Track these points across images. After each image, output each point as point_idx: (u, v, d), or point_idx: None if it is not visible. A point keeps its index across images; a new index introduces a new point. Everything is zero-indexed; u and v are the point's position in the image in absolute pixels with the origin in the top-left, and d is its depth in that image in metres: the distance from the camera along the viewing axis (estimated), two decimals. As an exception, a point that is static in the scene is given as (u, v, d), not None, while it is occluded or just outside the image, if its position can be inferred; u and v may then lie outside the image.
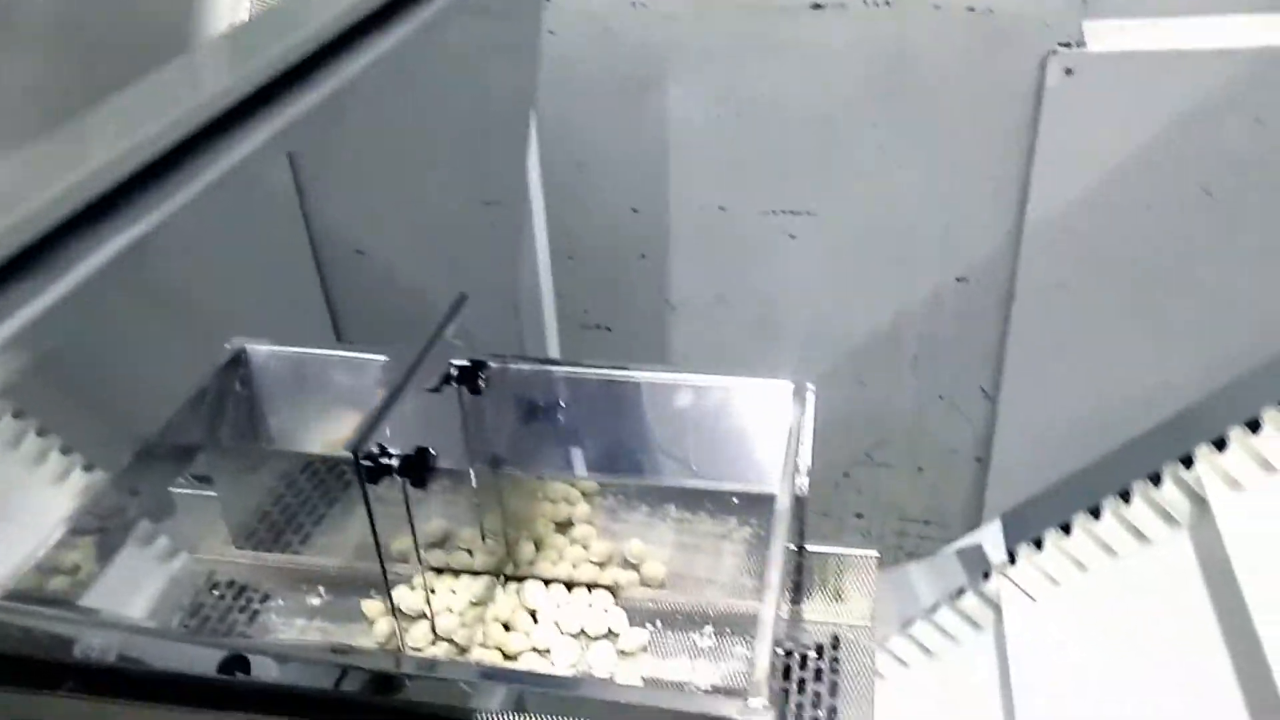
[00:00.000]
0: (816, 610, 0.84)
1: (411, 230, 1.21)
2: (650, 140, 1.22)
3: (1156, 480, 0.78)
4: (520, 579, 0.88)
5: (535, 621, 0.85)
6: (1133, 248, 1.13)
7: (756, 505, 0.82)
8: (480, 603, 0.84)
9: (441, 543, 0.86)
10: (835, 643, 0.82)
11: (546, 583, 0.87)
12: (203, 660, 0.58)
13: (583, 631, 0.84)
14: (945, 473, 1.38)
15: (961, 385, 1.30)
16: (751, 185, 1.23)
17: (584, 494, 0.94)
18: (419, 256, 1.19)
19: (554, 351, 1.39)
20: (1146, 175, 1.08)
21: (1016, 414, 1.27)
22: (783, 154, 1.20)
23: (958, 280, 1.23)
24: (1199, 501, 0.76)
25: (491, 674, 0.72)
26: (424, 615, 0.80)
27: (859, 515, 1.45)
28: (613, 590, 0.86)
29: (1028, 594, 0.82)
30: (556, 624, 0.84)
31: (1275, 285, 1.09)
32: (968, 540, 0.86)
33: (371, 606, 0.84)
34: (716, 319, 1.35)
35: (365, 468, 0.61)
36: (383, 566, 0.66)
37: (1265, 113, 1.02)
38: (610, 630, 0.83)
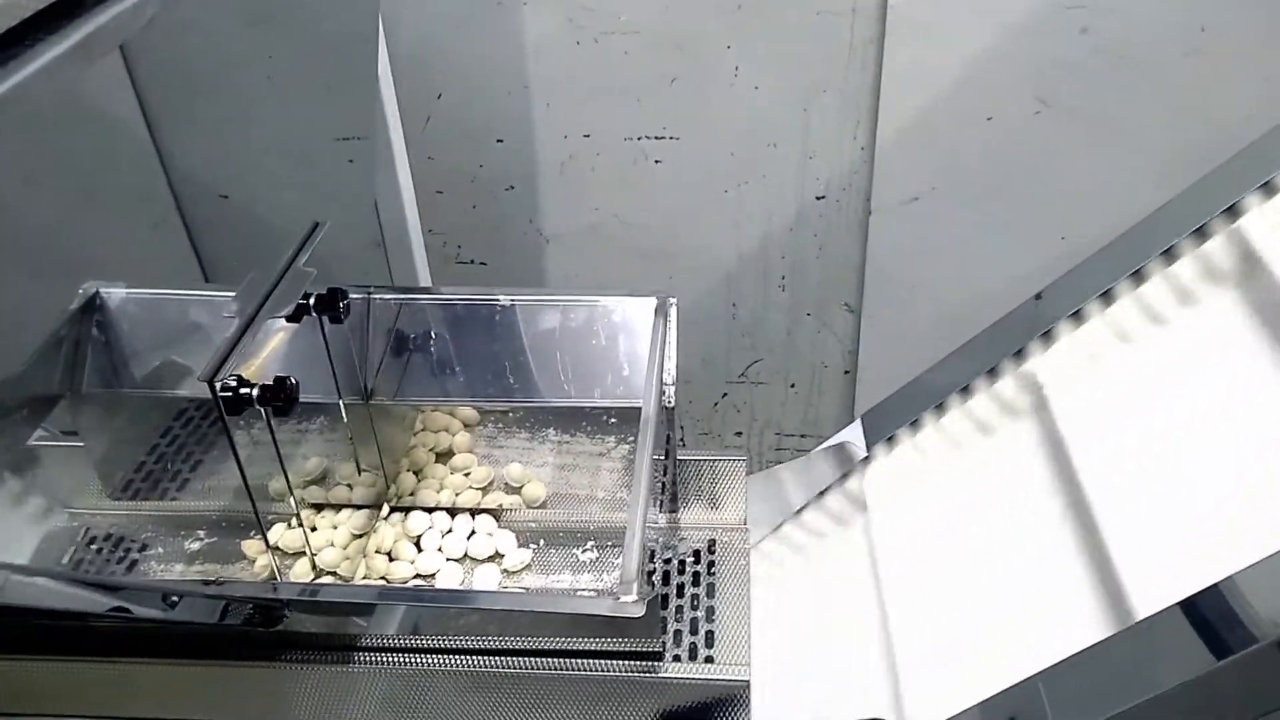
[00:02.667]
0: (693, 517, 0.88)
1: (272, 173, 1.18)
2: (510, 68, 1.22)
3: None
4: (402, 510, 0.89)
5: (420, 550, 0.86)
6: (978, 158, 1.18)
7: (632, 423, 0.85)
8: (362, 535, 0.85)
9: (321, 479, 0.87)
10: (711, 547, 0.85)
11: (429, 511, 0.88)
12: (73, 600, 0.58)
13: (466, 555, 0.85)
14: (817, 387, 1.43)
15: (827, 302, 1.35)
16: (614, 112, 1.24)
17: (464, 423, 0.95)
18: (282, 199, 1.17)
19: (428, 290, 1.38)
20: (986, 88, 1.13)
21: (879, 326, 1.32)
22: (642, 79, 1.21)
23: (818, 199, 1.27)
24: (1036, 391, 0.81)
25: (361, 592, 0.73)
26: (304, 551, 0.81)
27: (738, 433, 1.50)
28: (495, 514, 0.88)
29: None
30: (440, 550, 0.85)
31: (1109, 182, 1.16)
32: (831, 441, 0.91)
33: (251, 545, 0.84)
34: (590, 249, 1.36)
35: (224, 398, 0.60)
36: (251, 499, 0.66)
37: (1090, 21, 1.07)
38: (497, 552, 0.85)
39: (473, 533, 0.87)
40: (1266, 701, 0.49)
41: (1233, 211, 0.74)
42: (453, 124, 1.27)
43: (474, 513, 0.88)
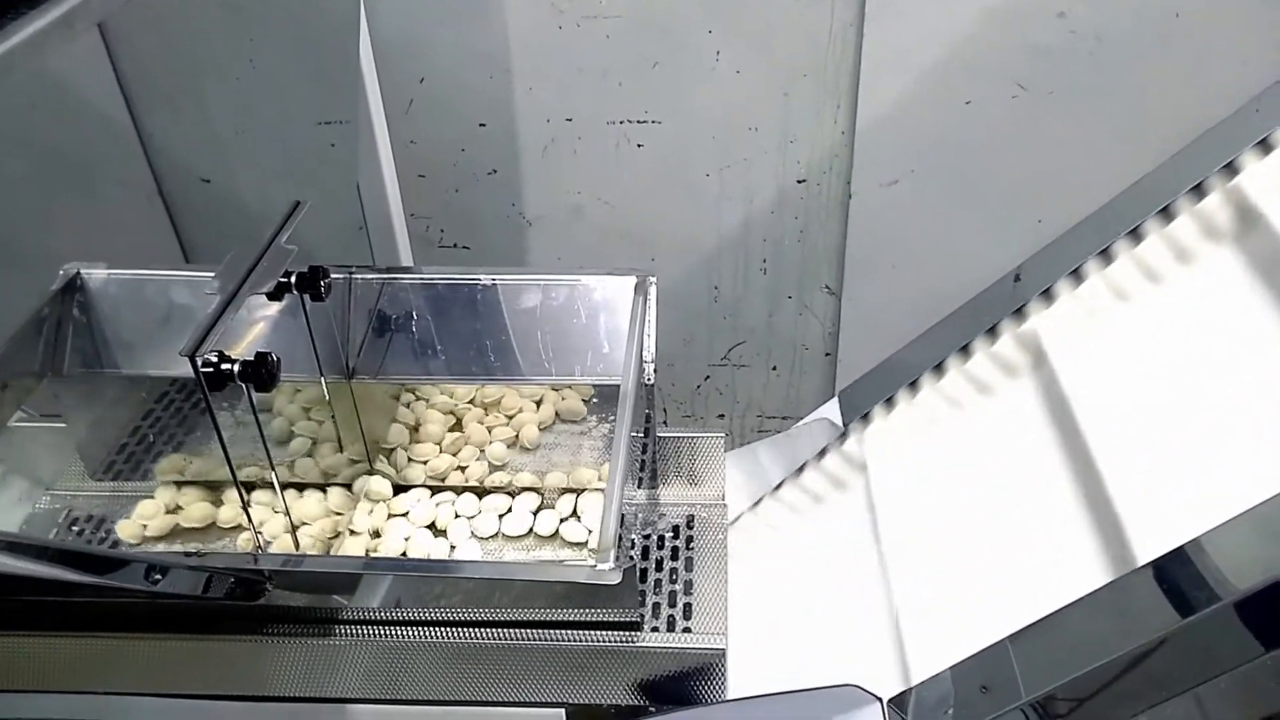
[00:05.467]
0: (672, 494, 0.89)
1: (254, 156, 1.18)
2: (492, 52, 1.22)
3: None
4: (429, 488, 0.89)
5: (407, 522, 0.87)
6: (957, 142, 1.19)
7: (613, 401, 0.85)
8: (341, 512, 0.86)
9: (304, 456, 0.87)
10: (690, 522, 0.86)
11: (427, 489, 0.89)
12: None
13: (457, 530, 0.86)
14: (798, 369, 1.44)
15: (808, 285, 1.36)
16: (596, 96, 1.24)
17: (444, 400, 0.95)
18: (264, 182, 1.17)
19: (411, 274, 1.38)
20: (965, 72, 1.14)
21: (859, 309, 1.33)
22: (624, 64, 1.22)
23: (798, 182, 1.28)
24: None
25: (348, 563, 0.74)
26: (286, 529, 0.81)
27: (721, 416, 1.51)
28: (478, 491, 0.89)
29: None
30: (502, 532, 0.86)
31: (1086, 166, 1.17)
32: (810, 418, 0.92)
33: (125, 527, 0.84)
34: (572, 232, 1.37)
35: (205, 373, 0.61)
36: (231, 470, 0.67)
37: (1067, 6, 1.08)
38: (497, 530, 0.86)
39: (574, 513, 0.87)
40: (1228, 659, 0.51)
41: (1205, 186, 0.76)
42: (435, 108, 1.27)
43: (459, 490, 0.89)
